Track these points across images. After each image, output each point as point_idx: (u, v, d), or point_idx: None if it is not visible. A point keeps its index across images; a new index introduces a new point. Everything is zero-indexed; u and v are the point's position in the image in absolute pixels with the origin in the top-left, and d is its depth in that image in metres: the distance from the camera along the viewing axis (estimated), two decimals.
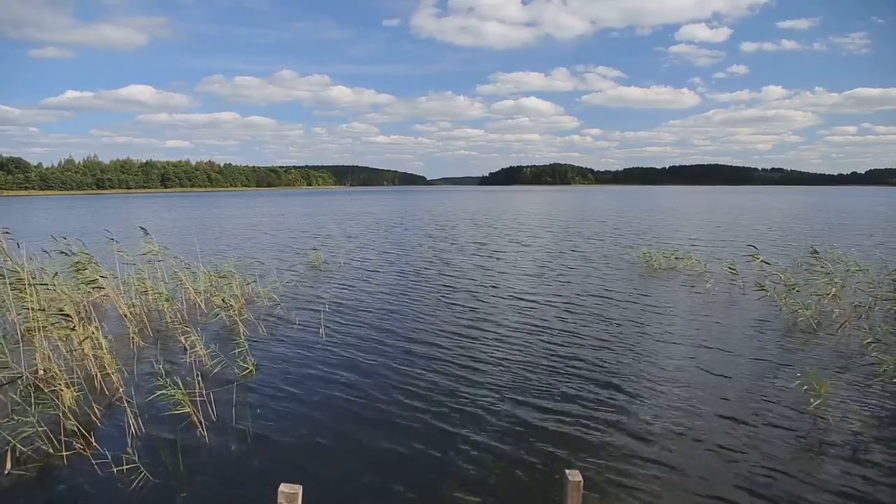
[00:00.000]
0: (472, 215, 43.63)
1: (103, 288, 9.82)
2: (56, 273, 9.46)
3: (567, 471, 3.53)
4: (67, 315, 7.09)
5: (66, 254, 10.61)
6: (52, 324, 7.10)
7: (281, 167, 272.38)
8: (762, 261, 11.13)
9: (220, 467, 4.85)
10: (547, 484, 4.51)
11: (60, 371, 6.08)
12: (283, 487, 3.31)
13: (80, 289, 10.02)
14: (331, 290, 12.61)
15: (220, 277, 11.61)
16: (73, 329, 6.90)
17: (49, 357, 6.48)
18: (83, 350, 6.77)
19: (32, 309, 7.38)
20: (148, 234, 11.59)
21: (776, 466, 4.77)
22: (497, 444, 5.17)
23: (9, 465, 4.76)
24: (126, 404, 5.64)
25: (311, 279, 14.07)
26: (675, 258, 15.67)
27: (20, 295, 7.85)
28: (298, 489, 3.32)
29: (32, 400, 5.73)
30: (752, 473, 4.67)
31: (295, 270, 15.22)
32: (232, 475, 4.73)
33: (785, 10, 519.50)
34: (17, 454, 4.92)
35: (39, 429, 5.04)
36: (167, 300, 9.78)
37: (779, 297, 10.66)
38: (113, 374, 6.65)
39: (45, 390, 6.22)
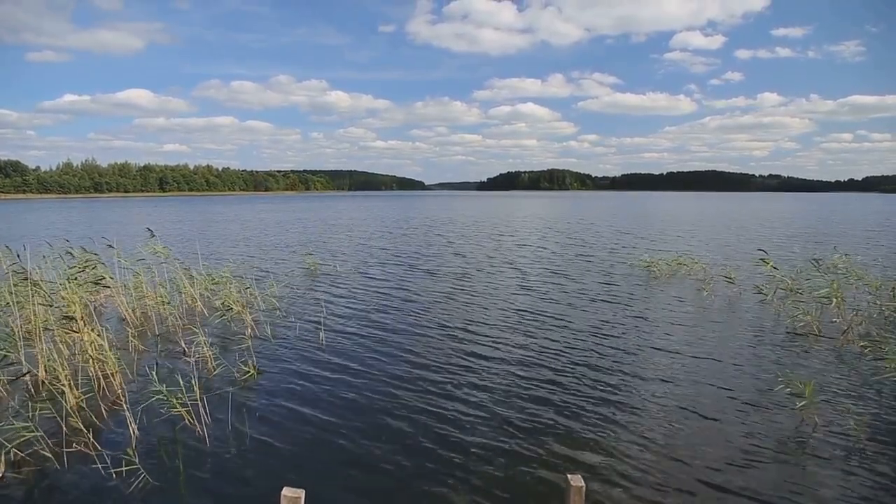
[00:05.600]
0: (471, 220, 43.68)
1: (109, 287, 9.81)
2: (69, 276, 9.45)
3: (569, 475, 3.54)
4: (73, 317, 7.10)
5: (71, 254, 10.61)
6: (60, 326, 7.11)
7: (279, 171, 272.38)
8: (772, 266, 11.03)
9: (222, 471, 4.84)
10: (549, 489, 4.51)
11: (64, 372, 6.08)
12: (286, 491, 3.32)
13: (80, 290, 10.01)
14: (329, 293, 12.61)
15: (215, 283, 11.61)
16: (77, 332, 6.91)
17: (53, 358, 6.48)
18: (86, 352, 6.78)
19: (35, 312, 7.39)
20: (154, 235, 11.59)
21: (776, 469, 4.80)
22: (499, 449, 5.17)
23: (3, 469, 4.73)
24: (127, 406, 5.63)
25: (309, 283, 14.07)
26: (677, 264, 15.70)
27: (25, 296, 7.87)
28: (301, 493, 3.33)
29: (35, 401, 5.75)
30: (753, 478, 4.68)
31: (292, 275, 15.20)
32: (233, 479, 4.72)
33: (779, 18, 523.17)
34: (18, 455, 4.92)
35: (41, 430, 5.04)
36: (167, 304, 9.77)
37: (779, 303, 10.70)
38: (114, 375, 6.65)
39: (48, 391, 6.23)
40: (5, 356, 6.57)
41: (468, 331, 9.39)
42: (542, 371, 7.30)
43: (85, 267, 10.07)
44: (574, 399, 6.36)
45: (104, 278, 9.90)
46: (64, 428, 5.25)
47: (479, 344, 8.60)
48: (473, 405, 6.19)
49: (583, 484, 3.45)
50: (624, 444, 5.28)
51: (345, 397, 6.45)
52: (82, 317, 7.36)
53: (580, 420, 5.80)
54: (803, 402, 5.82)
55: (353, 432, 5.54)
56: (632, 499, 4.38)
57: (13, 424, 5.04)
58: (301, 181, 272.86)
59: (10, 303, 7.67)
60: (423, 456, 5.07)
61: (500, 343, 8.64)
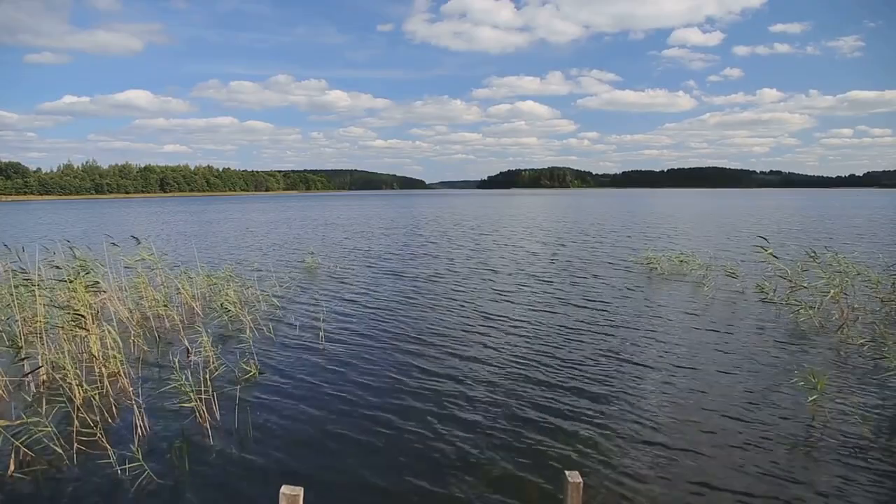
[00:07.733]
0: (472, 220, 43.65)
1: (104, 291, 9.81)
2: (70, 277, 9.46)
3: (567, 472, 3.56)
4: (83, 315, 7.13)
5: (58, 267, 10.61)
6: (70, 325, 7.14)
7: (279, 171, 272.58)
8: (770, 253, 11.04)
9: (224, 468, 4.89)
10: (547, 485, 4.53)
11: (72, 370, 6.13)
12: (285, 489, 3.34)
13: (83, 291, 10.02)
14: (328, 293, 12.63)
15: (214, 284, 11.63)
16: (87, 329, 6.95)
17: (62, 356, 6.53)
18: (92, 350, 6.81)
19: (42, 312, 7.43)
20: (140, 242, 11.66)
21: (775, 465, 4.81)
22: (498, 446, 5.20)
23: (12, 468, 4.78)
24: (132, 406, 5.69)
25: (308, 283, 14.09)
26: (680, 261, 15.69)
27: (27, 296, 7.89)
28: (300, 491, 3.35)
29: (44, 398, 5.78)
30: (752, 474, 4.70)
31: (291, 275, 15.22)
32: (235, 476, 4.76)
33: (777, 14, 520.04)
34: (28, 454, 4.98)
35: (49, 428, 5.10)
36: (166, 305, 9.79)
37: (779, 299, 10.69)
38: (119, 374, 6.71)
39: (56, 389, 6.27)
40: (17, 351, 6.62)
41: (469, 329, 9.40)
42: (542, 368, 7.32)
43: (82, 269, 10.08)
44: (574, 397, 6.38)
45: (98, 283, 9.90)
46: (75, 422, 5.29)
47: (480, 342, 8.62)
48: (473, 403, 6.22)
49: (581, 480, 3.47)
50: (624, 440, 5.30)
51: (344, 396, 6.47)
52: (92, 315, 7.40)
53: (579, 417, 5.82)
54: (814, 397, 5.81)
55: (353, 431, 5.57)
56: (631, 495, 4.40)
57: (23, 420, 5.10)
58: (301, 181, 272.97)
59: (13, 304, 7.71)
60: (421, 454, 5.10)
61: (500, 341, 8.66)
